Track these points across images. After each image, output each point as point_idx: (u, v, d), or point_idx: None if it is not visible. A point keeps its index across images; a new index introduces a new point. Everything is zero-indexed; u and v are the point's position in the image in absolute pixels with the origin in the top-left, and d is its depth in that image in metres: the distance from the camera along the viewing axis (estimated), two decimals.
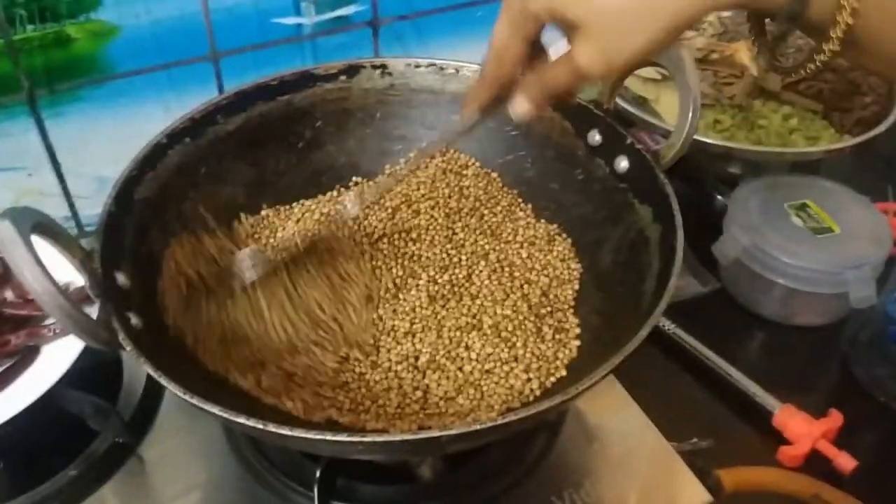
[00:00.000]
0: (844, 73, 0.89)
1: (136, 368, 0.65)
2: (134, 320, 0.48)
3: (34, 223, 0.44)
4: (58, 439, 0.60)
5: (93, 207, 0.81)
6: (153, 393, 0.63)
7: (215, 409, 0.41)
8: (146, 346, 0.46)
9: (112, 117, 0.77)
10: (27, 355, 0.59)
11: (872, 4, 0.43)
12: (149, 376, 0.62)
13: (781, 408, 0.67)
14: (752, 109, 0.86)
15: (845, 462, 0.64)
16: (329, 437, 0.39)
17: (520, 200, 0.67)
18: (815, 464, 0.65)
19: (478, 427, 0.41)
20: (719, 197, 0.85)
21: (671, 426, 0.64)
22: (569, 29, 0.43)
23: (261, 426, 0.40)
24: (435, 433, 0.40)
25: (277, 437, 0.41)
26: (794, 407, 0.67)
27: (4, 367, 0.58)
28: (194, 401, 0.42)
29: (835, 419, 0.67)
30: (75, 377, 0.58)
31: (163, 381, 0.43)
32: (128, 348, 0.44)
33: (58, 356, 0.58)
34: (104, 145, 0.78)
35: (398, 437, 0.41)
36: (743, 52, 0.89)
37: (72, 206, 0.80)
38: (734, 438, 0.68)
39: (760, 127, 0.84)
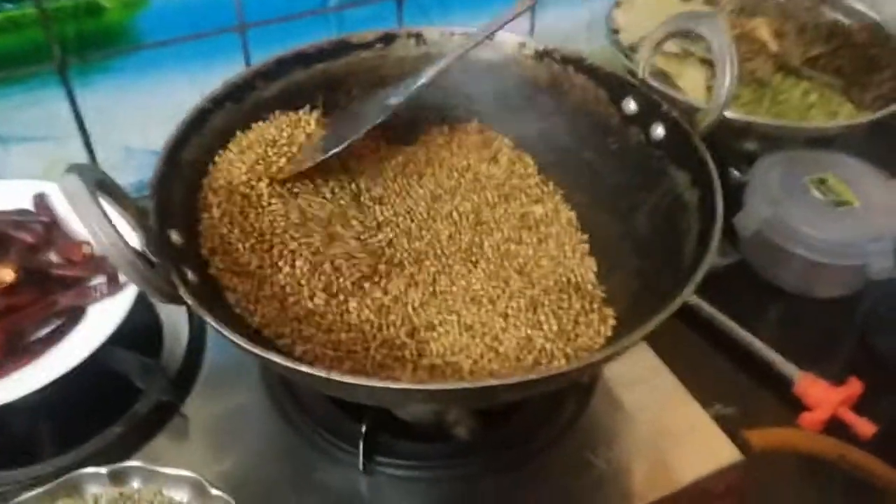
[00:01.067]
0: (863, 48, 0.90)
1: (178, 326, 0.66)
2: (190, 276, 0.49)
3: (97, 180, 0.45)
4: (103, 397, 0.61)
5: (120, 177, 0.81)
6: (195, 353, 0.64)
7: (277, 358, 0.43)
8: (204, 300, 0.47)
9: (140, 87, 0.77)
10: (74, 316, 0.60)
11: None
12: (191, 336, 0.65)
13: (802, 375, 0.69)
14: (771, 85, 0.87)
15: (865, 427, 0.66)
16: (391, 385, 0.41)
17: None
18: (835, 430, 0.66)
19: (533, 377, 0.42)
20: (737, 173, 0.87)
21: (694, 393, 0.65)
22: None
23: (324, 375, 0.42)
24: (493, 382, 0.41)
25: (338, 385, 0.42)
26: (814, 375, 0.69)
27: (52, 327, 0.59)
28: (257, 351, 0.43)
29: (854, 386, 0.68)
30: (118, 336, 0.59)
31: (226, 332, 0.44)
32: (189, 301, 0.46)
33: (104, 316, 0.59)
34: (132, 115, 0.78)
35: (460, 385, 0.42)
36: (762, 28, 0.90)
37: None
38: (756, 405, 0.69)
39: (780, 102, 0.86)
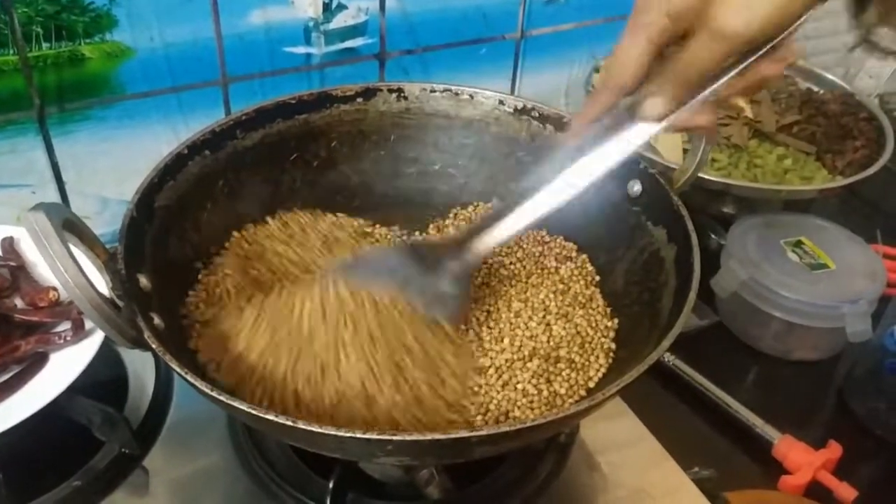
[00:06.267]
0: (836, 117, 0.92)
1: (144, 379, 0.64)
2: (157, 321, 0.48)
3: (64, 219, 0.45)
4: (62, 449, 0.59)
5: (94, 227, 0.80)
6: (160, 404, 0.62)
7: (243, 406, 0.41)
8: (170, 346, 0.45)
9: (119, 138, 0.77)
10: (36, 362, 0.58)
11: None
12: (156, 387, 0.63)
13: (781, 438, 0.68)
14: (747, 149, 0.89)
15: (846, 492, 0.65)
16: (359, 434, 0.39)
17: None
18: (816, 495, 0.65)
19: (507, 429, 0.41)
20: (713, 236, 0.88)
21: (673, 455, 0.64)
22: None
23: (290, 423, 0.40)
24: (465, 433, 0.40)
25: (304, 434, 0.40)
26: (793, 438, 0.68)
27: (13, 373, 0.57)
28: (221, 397, 0.41)
29: (834, 450, 0.68)
30: (81, 384, 0.57)
31: (190, 379, 0.42)
32: (154, 346, 0.44)
33: (67, 364, 0.58)
34: (109, 166, 0.78)
35: (428, 437, 0.41)
36: None
37: None
38: (735, 468, 0.68)
39: (756, 166, 0.87)
